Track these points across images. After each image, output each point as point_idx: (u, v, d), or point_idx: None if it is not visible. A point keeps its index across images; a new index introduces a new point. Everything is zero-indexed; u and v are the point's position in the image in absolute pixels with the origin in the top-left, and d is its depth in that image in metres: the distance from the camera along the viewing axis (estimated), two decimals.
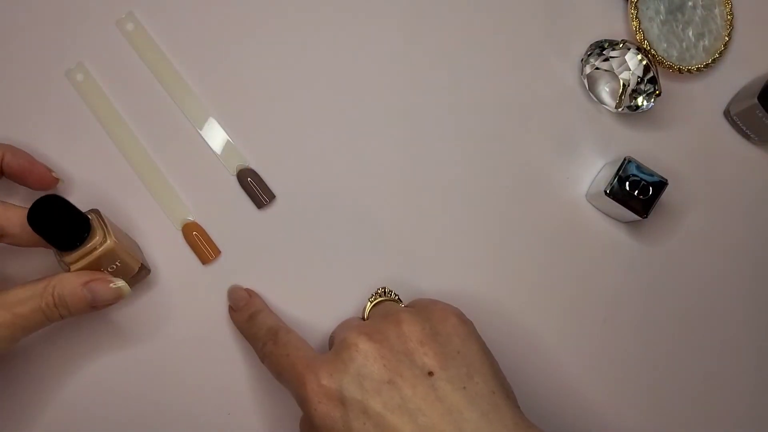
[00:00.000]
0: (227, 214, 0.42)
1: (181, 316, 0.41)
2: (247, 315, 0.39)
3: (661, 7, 0.46)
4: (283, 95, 0.44)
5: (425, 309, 0.36)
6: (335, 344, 0.35)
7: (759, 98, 0.42)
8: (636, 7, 0.45)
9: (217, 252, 0.42)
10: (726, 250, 0.46)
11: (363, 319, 0.40)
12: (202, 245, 0.41)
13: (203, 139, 0.43)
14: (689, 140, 0.46)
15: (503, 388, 0.34)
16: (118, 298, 0.36)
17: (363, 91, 0.44)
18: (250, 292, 0.41)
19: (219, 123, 0.43)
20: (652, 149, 0.45)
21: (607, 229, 0.45)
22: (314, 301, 0.42)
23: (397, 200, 0.43)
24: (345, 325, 0.38)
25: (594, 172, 0.45)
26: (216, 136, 0.43)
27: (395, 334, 0.34)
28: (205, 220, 0.42)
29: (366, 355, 0.33)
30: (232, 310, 0.41)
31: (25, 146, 0.41)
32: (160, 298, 0.41)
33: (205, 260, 0.41)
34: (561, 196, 0.45)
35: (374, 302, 0.40)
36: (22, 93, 0.42)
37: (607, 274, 0.44)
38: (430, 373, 0.33)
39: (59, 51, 0.42)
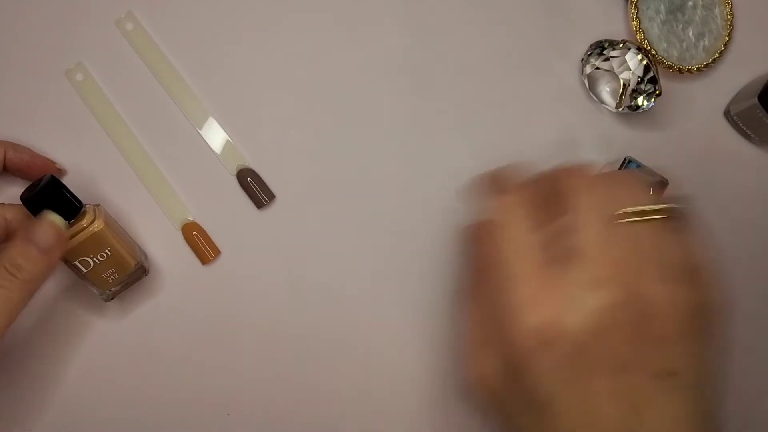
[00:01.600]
0: (227, 214, 0.42)
1: (181, 315, 0.41)
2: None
3: (662, 6, 0.46)
4: (284, 95, 0.43)
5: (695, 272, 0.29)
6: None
7: (759, 98, 0.42)
8: (636, 7, 0.45)
9: (217, 252, 0.42)
10: (726, 250, 0.45)
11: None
12: (201, 245, 0.41)
13: (203, 138, 0.43)
14: (689, 140, 0.46)
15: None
16: (57, 232, 0.34)
17: (363, 91, 0.44)
18: None
19: (219, 123, 0.43)
20: (652, 149, 0.45)
21: None
22: (313, 302, 0.42)
23: (397, 200, 0.43)
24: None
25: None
26: (216, 136, 0.43)
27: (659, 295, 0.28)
28: (204, 220, 0.42)
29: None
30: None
31: (25, 145, 0.41)
32: (160, 297, 0.41)
33: (204, 260, 0.41)
34: None
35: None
36: (21, 93, 0.42)
37: None
38: (672, 374, 0.27)
39: (59, 50, 0.42)
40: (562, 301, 0.27)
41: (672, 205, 0.29)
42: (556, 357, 0.27)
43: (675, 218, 0.30)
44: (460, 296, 0.35)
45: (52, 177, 0.36)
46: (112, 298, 0.39)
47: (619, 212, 0.28)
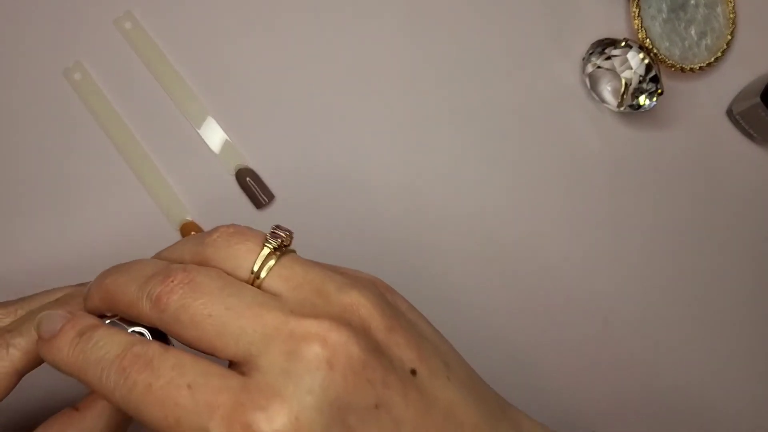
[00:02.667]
0: (226, 214, 0.42)
1: None
2: (75, 332, 0.25)
3: (663, 5, 0.46)
4: (283, 94, 0.43)
5: (357, 278, 0.26)
6: (260, 346, 0.22)
7: (762, 97, 0.42)
8: (638, 6, 0.45)
9: None
10: (728, 251, 0.45)
11: (251, 282, 0.25)
12: None
13: (202, 138, 0.42)
14: (691, 139, 0.46)
15: (468, 364, 0.27)
16: None
17: (363, 90, 0.44)
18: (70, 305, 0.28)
19: (217, 122, 0.43)
20: (654, 148, 0.45)
21: None
22: None
23: (398, 200, 0.43)
24: (241, 306, 0.23)
25: None
26: (214, 136, 0.42)
27: (357, 318, 0.23)
28: (203, 220, 0.42)
29: (341, 364, 0.21)
30: (43, 340, 0.26)
31: (23, 146, 0.40)
32: None
33: None
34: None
35: (275, 257, 0.25)
36: (19, 92, 0.42)
37: (608, 275, 0.44)
38: (413, 372, 0.24)
39: (57, 50, 0.42)
40: None
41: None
42: None
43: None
44: None
45: None
46: None
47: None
